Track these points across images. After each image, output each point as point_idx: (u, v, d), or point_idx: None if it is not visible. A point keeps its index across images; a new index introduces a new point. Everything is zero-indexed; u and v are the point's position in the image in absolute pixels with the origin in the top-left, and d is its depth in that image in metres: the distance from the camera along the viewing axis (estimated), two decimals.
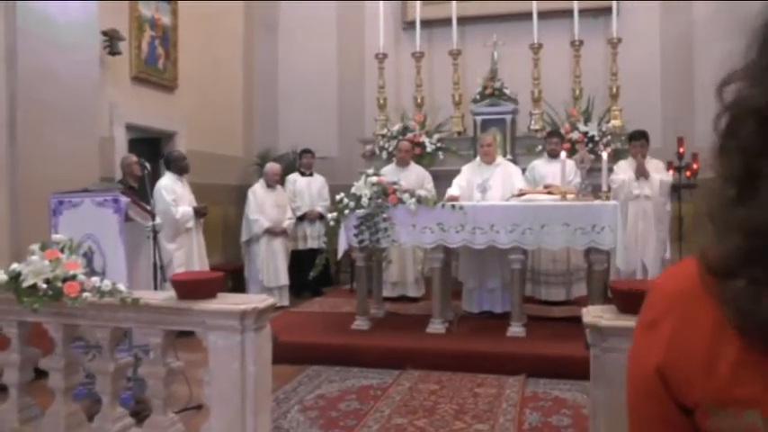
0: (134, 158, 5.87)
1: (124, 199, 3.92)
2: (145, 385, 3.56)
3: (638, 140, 6.80)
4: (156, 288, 4.07)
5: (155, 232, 4.06)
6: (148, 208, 4.10)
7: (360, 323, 6.11)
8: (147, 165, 4.56)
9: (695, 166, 7.33)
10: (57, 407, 3.55)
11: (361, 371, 5.29)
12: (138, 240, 4.21)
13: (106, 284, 3.35)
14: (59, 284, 3.24)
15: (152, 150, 8.15)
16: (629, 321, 2.73)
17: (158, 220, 4.20)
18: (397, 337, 5.76)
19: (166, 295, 3.48)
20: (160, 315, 3.36)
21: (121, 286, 3.41)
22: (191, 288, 3.34)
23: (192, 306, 3.26)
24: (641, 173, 6.71)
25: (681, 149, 7.41)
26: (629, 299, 2.84)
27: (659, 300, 0.80)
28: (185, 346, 4.09)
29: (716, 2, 8.44)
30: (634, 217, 6.72)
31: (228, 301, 3.30)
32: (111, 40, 6.87)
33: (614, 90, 8.14)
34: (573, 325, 5.88)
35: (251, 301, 3.31)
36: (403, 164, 7.48)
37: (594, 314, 2.88)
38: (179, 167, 6.72)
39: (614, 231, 5.40)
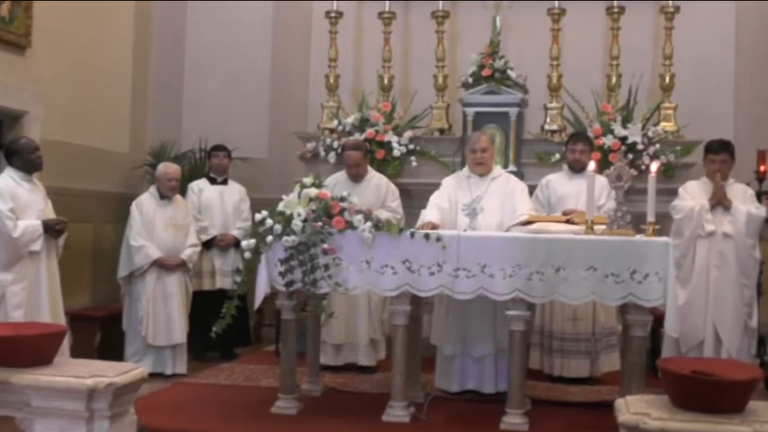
0: None
1: None
2: None
3: (717, 154, 6.70)
4: None
5: None
6: None
7: (284, 405, 6.00)
8: None
9: None
10: None
11: None
12: None
13: None
14: None
15: None
16: (689, 423, 2.56)
17: None
18: (338, 428, 5.68)
19: None
20: None
21: None
22: (8, 349, 3.10)
23: (9, 378, 3.04)
24: (720, 200, 6.62)
25: (761, 168, 7.38)
26: (688, 388, 2.67)
27: None
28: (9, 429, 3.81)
29: None
30: (705, 262, 6.62)
31: (69, 372, 3.09)
32: None
33: (667, 80, 8.21)
34: (599, 414, 5.91)
35: (105, 371, 3.12)
36: (356, 179, 7.46)
37: (635, 409, 2.73)
38: (26, 162, 6.54)
39: (664, 280, 5.39)
